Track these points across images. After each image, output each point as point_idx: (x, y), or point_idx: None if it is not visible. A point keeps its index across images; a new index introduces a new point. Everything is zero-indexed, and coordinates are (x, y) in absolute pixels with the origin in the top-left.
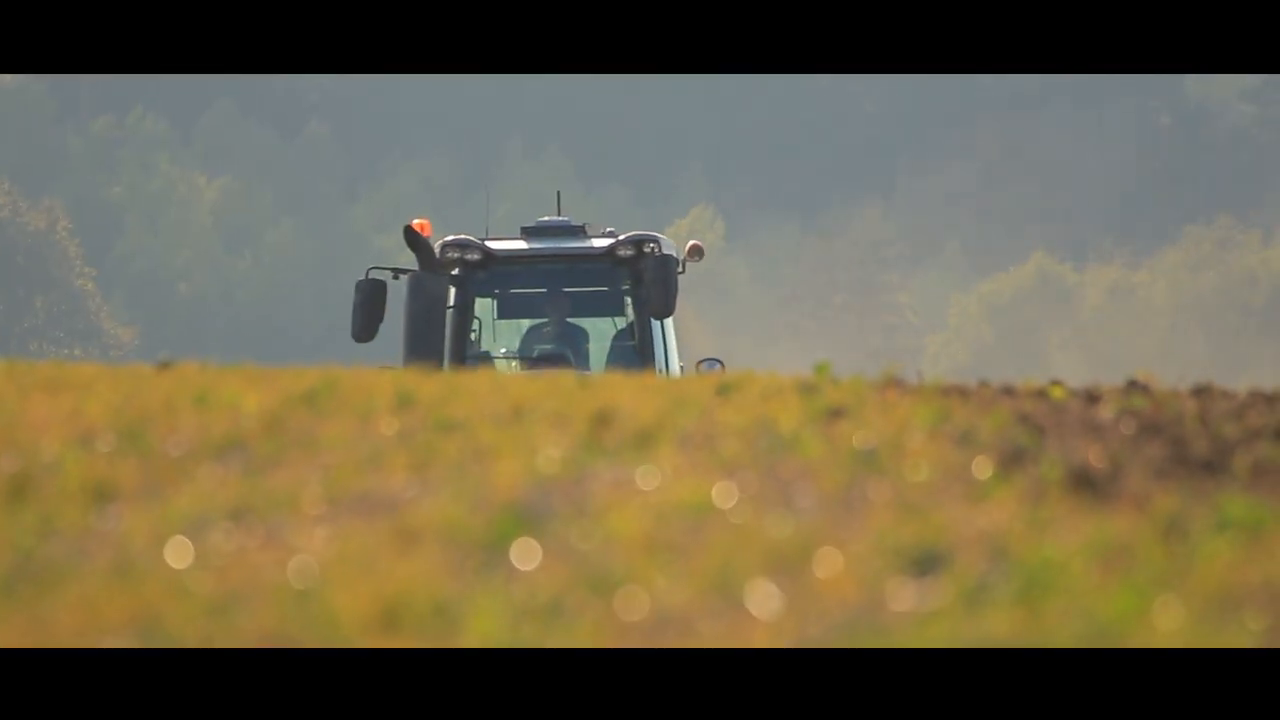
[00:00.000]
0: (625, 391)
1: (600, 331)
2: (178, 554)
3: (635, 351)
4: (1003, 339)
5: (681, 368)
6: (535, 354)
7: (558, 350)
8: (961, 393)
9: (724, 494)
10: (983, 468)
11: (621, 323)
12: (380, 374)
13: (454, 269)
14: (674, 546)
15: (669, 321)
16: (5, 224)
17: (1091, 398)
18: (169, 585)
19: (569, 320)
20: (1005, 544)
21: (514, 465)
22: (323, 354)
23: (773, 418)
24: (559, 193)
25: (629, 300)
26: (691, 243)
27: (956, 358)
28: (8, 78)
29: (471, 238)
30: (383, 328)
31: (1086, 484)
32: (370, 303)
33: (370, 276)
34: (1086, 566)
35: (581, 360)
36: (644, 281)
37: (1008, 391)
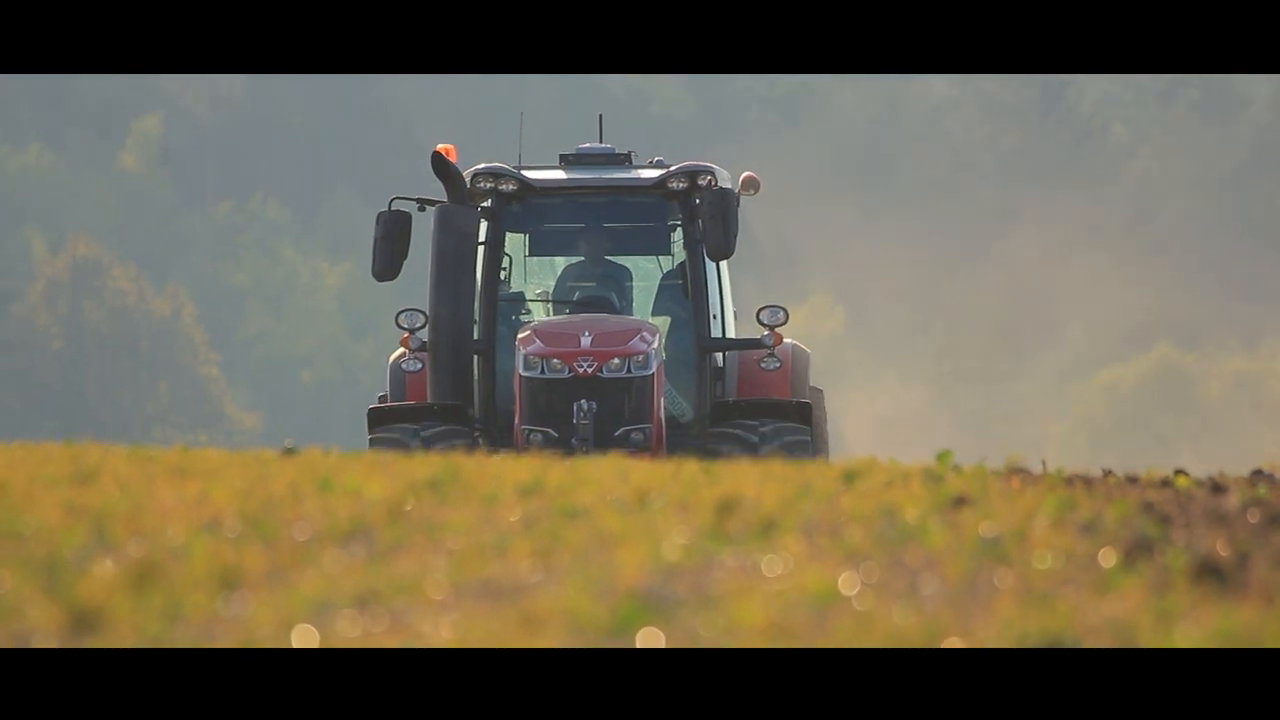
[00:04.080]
0: (749, 479)
1: (644, 271)
2: (303, 640)
3: (685, 295)
4: (1124, 427)
5: (736, 314)
6: (575, 297)
7: (600, 293)
8: (1086, 481)
9: (848, 582)
10: (1108, 557)
11: (668, 263)
12: (504, 461)
13: (486, 200)
14: (798, 635)
15: (724, 264)
16: (131, 310)
17: (1217, 487)
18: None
19: (609, 258)
20: (1131, 634)
21: (638, 553)
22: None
23: (897, 506)
24: (601, 116)
25: (678, 238)
26: (745, 174)
27: (1078, 446)
28: (131, 162)
29: (505, 166)
30: (406, 265)
31: (1213, 574)
32: (393, 237)
33: (393, 208)
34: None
35: (625, 304)
36: (700, 218)
37: (1132, 481)
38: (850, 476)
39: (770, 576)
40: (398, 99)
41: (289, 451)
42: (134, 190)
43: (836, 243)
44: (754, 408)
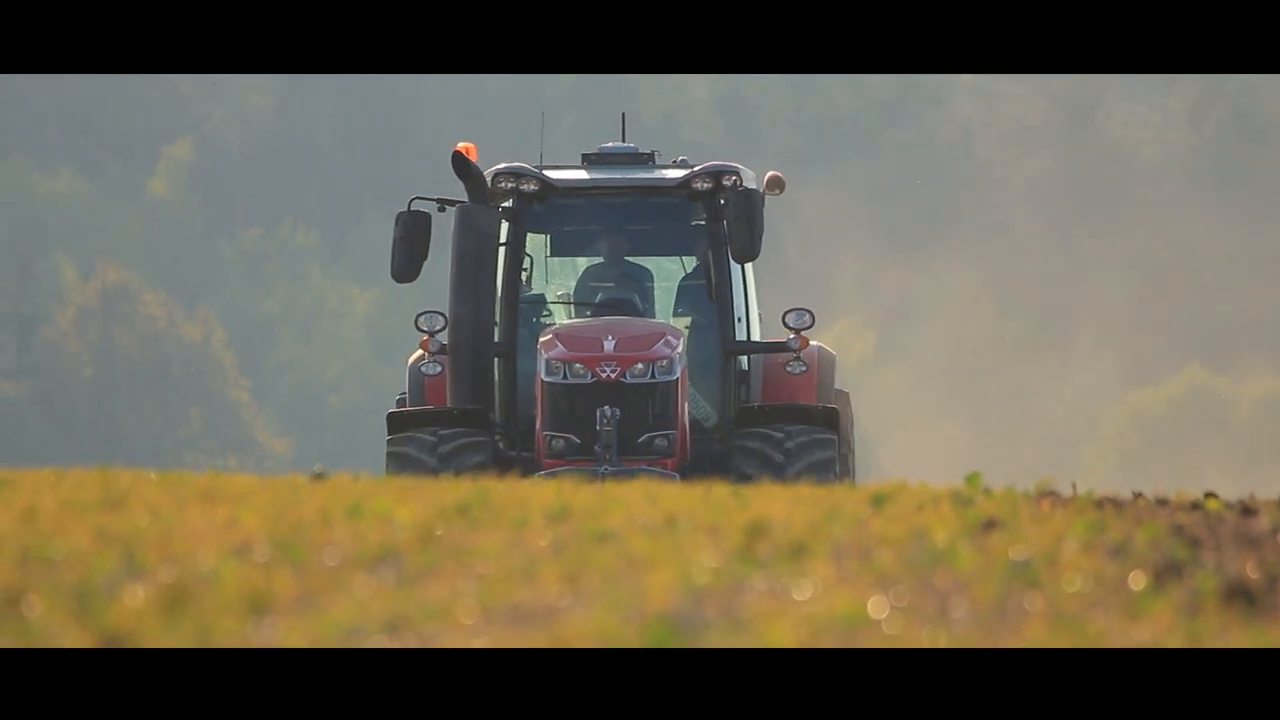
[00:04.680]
0: (778, 502)
1: (665, 272)
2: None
3: (709, 297)
4: (1154, 450)
5: (760, 317)
6: (598, 299)
7: (622, 295)
8: (1116, 504)
9: (878, 606)
10: (1138, 580)
11: (690, 263)
12: (534, 485)
13: (507, 201)
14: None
15: (749, 265)
16: (162, 336)
17: (1247, 510)
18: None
19: (630, 259)
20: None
21: (667, 576)
22: None
23: (926, 529)
24: (624, 115)
25: (702, 239)
26: (771, 173)
27: (1108, 468)
28: (161, 188)
29: (527, 166)
30: (426, 266)
31: (1243, 596)
32: (412, 238)
33: (412, 209)
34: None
35: (648, 306)
36: (725, 219)
37: (1162, 503)
38: (879, 500)
39: (800, 600)
40: (426, 127)
41: (319, 476)
42: (164, 216)
43: (867, 267)
44: (780, 413)
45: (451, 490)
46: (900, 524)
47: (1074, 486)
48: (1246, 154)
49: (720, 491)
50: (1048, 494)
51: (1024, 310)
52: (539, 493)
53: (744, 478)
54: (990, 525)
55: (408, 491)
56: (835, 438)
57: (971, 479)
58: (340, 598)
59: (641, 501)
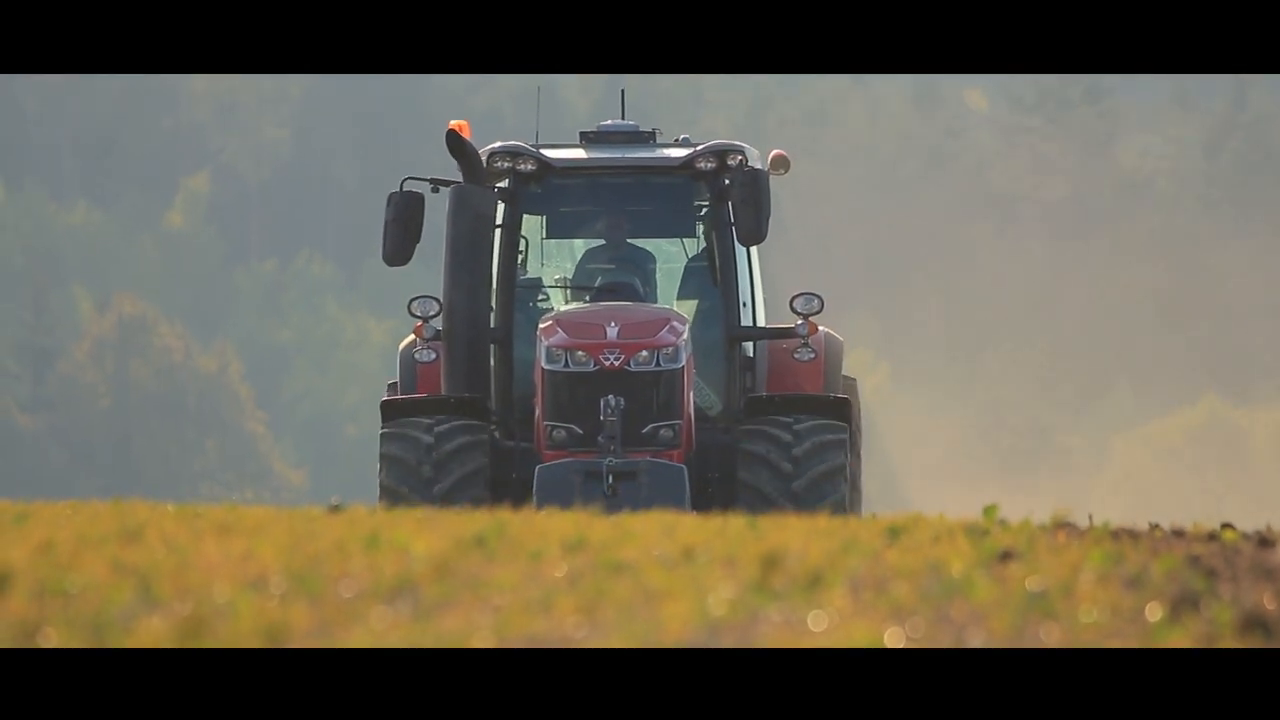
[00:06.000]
0: (795, 533)
1: (667, 254)
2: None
3: (713, 281)
4: (1171, 481)
5: (765, 299)
6: (598, 283)
7: (623, 278)
8: (1132, 535)
9: (894, 637)
10: (1154, 611)
11: (693, 245)
12: (549, 517)
13: (503, 181)
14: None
15: (754, 248)
16: (178, 367)
17: (1264, 541)
18: None
19: (630, 242)
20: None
21: (683, 607)
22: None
23: (943, 560)
24: (623, 91)
25: (706, 221)
26: (775, 152)
27: (1124, 499)
28: (178, 220)
29: (524, 144)
30: (419, 248)
31: (1259, 628)
32: (404, 220)
33: (405, 189)
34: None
35: (650, 290)
36: (730, 200)
37: (1178, 534)
38: (895, 531)
39: (816, 631)
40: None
41: (335, 508)
42: (180, 248)
43: (880, 294)
44: (790, 403)
45: (468, 522)
46: (916, 555)
47: (1090, 518)
48: (1262, 185)
49: (736, 523)
50: (1064, 525)
51: (1041, 342)
52: (555, 524)
53: (751, 492)
54: (1006, 556)
55: (424, 523)
56: (846, 433)
57: (988, 511)
58: (356, 630)
59: (657, 533)
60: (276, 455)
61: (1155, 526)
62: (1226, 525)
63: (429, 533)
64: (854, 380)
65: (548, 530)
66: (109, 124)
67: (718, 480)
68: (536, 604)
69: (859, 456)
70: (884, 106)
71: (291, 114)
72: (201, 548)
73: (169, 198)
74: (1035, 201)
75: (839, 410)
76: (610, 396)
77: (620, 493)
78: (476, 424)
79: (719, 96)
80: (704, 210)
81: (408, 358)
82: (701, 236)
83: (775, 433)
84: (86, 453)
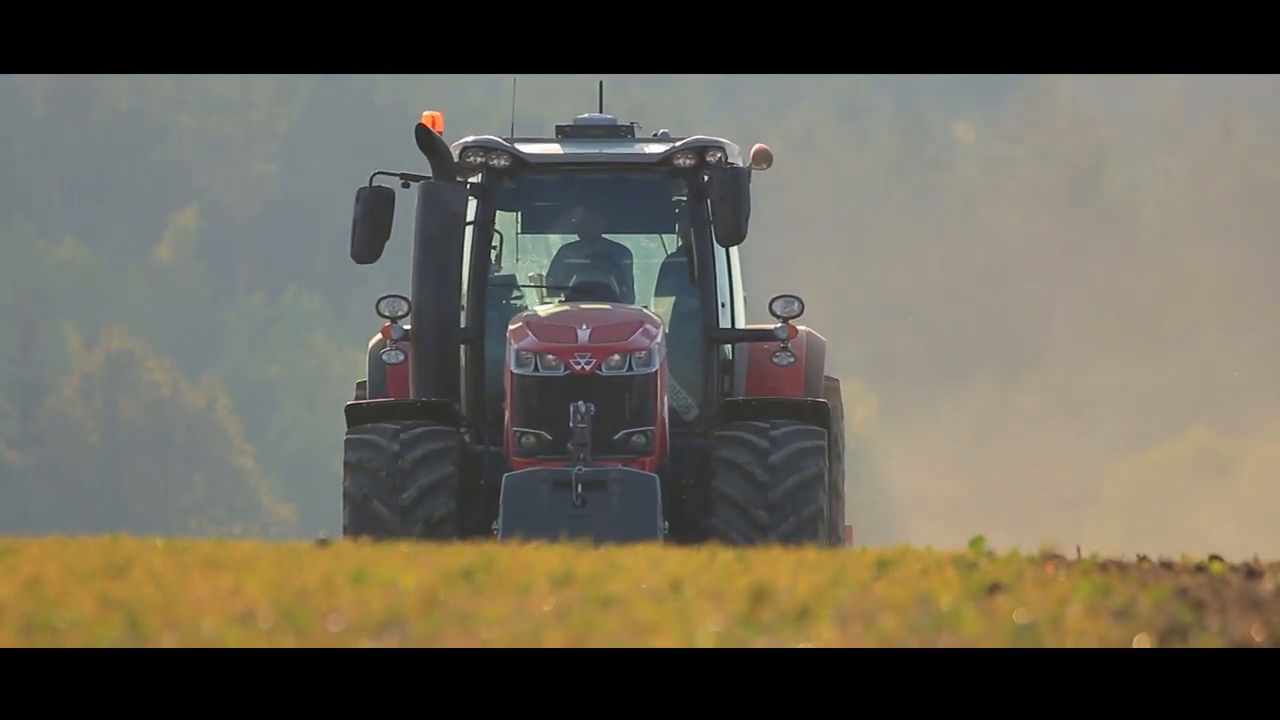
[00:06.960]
0: (783, 566)
1: (645, 250)
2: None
3: (691, 281)
4: (1158, 512)
5: (745, 299)
6: (572, 282)
7: (598, 277)
8: (1120, 567)
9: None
10: (1143, 643)
11: (671, 242)
12: (537, 551)
13: (475, 176)
14: None
15: (734, 248)
16: (166, 403)
17: (1252, 572)
18: None
19: (606, 237)
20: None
21: (671, 640)
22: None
23: (931, 593)
24: (601, 83)
25: (684, 219)
26: (757, 147)
27: (1111, 531)
28: (166, 255)
29: (497, 139)
30: (389, 245)
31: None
32: (373, 216)
33: (374, 184)
34: None
35: (625, 289)
36: (709, 198)
37: (1166, 566)
38: (883, 564)
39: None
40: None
41: (323, 542)
42: (168, 283)
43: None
44: (765, 408)
45: (456, 556)
46: (904, 588)
47: (1078, 549)
48: (1249, 217)
49: (724, 555)
50: (1052, 557)
51: (1027, 367)
52: (543, 557)
53: (726, 502)
54: (994, 589)
55: (412, 558)
56: (825, 439)
57: (975, 543)
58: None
59: (645, 566)
60: (265, 489)
61: (1143, 558)
62: (1215, 557)
63: (416, 567)
64: (836, 381)
65: (535, 563)
66: (97, 160)
67: (693, 487)
68: (525, 637)
69: (841, 460)
70: (871, 136)
71: (279, 149)
72: (189, 582)
73: (157, 233)
74: (1021, 235)
75: (817, 415)
76: (580, 402)
77: (589, 503)
78: (444, 429)
79: (703, 97)
80: (683, 207)
81: (376, 358)
82: (679, 234)
83: (751, 439)
84: (75, 488)
